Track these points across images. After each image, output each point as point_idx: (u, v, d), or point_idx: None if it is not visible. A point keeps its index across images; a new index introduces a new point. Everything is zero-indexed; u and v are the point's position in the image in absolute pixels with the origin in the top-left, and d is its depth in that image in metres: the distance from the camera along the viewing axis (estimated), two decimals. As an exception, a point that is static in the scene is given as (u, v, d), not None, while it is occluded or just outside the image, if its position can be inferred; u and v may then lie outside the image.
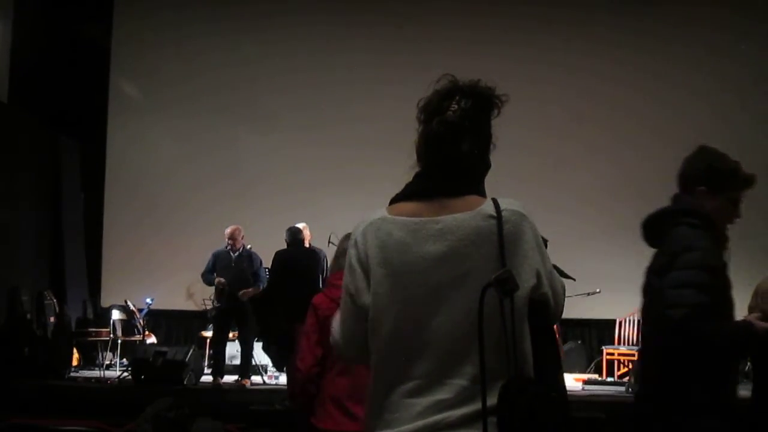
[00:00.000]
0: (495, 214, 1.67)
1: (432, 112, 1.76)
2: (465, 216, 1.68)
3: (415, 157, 1.82)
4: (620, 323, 8.95)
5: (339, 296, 3.41)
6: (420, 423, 1.64)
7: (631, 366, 8.06)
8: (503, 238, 1.65)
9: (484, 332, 1.59)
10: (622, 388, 7.62)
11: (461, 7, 10.08)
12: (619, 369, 8.69)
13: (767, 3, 9.68)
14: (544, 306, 1.72)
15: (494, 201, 1.70)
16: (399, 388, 1.69)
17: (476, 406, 1.61)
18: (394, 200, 1.80)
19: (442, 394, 1.64)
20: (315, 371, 3.35)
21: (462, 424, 1.62)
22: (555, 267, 1.81)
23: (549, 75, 9.74)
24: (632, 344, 8.78)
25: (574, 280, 2.10)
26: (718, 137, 10.03)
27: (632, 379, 7.42)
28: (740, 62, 9.66)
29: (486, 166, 1.81)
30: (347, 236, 3.49)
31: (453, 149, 1.73)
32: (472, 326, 1.61)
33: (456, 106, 1.73)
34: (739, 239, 10.50)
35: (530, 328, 1.70)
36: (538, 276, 1.68)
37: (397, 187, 1.86)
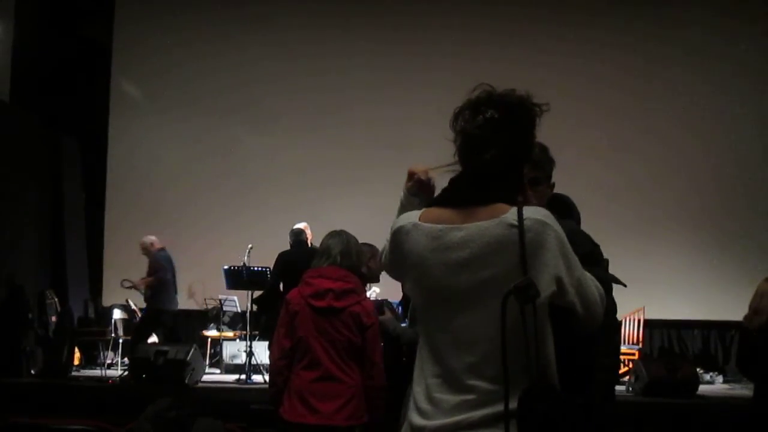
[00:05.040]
0: (517, 222, 1.69)
1: (458, 122, 1.80)
2: (488, 224, 1.71)
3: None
4: (620, 323, 8.96)
5: (310, 293, 3.50)
6: (447, 420, 1.70)
7: (631, 365, 8.06)
8: (524, 246, 1.67)
9: (508, 338, 1.63)
10: (623, 388, 7.63)
11: (461, 10, 10.08)
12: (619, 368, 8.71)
13: (765, 6, 9.68)
14: (571, 313, 1.74)
15: (519, 209, 1.71)
16: (431, 382, 1.76)
17: (497, 408, 1.65)
18: (430, 204, 1.86)
19: (467, 394, 1.69)
20: (281, 363, 3.43)
21: (483, 425, 1.66)
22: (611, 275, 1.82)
23: (547, 77, 9.71)
24: (632, 344, 8.79)
25: (625, 286, 2.18)
26: (716, 139, 10.08)
27: (632, 379, 7.42)
28: (739, 65, 9.66)
29: (517, 175, 1.81)
30: (330, 234, 3.56)
31: (475, 159, 1.76)
32: (494, 331, 1.65)
33: (481, 117, 1.76)
34: (738, 239, 10.51)
35: (558, 335, 1.74)
36: (560, 284, 1.70)
37: (397, 188, 1.87)
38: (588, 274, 1.78)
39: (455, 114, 1.81)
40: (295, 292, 3.49)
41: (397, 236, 1.83)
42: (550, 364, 1.70)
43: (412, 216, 1.83)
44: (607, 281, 2.09)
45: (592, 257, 2.21)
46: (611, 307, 2.52)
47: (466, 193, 1.77)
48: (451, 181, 1.83)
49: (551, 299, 1.70)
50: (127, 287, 8.42)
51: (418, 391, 1.79)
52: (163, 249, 8.38)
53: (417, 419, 1.76)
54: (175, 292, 8.35)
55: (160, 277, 8.15)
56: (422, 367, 1.80)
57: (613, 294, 2.49)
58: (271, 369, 3.53)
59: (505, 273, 1.67)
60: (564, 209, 2.65)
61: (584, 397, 1.80)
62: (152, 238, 8.43)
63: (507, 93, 1.79)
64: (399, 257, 1.84)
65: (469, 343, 1.71)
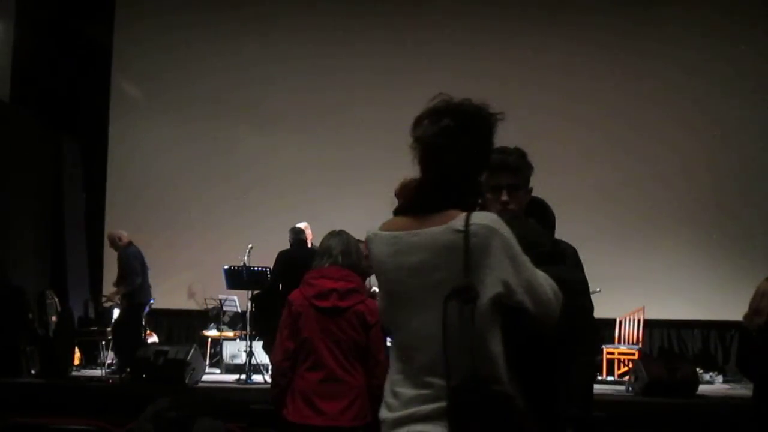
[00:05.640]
0: (463, 228, 1.77)
1: (417, 130, 1.88)
2: (438, 230, 1.80)
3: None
4: (620, 323, 8.97)
5: (313, 294, 3.52)
6: (404, 412, 1.84)
7: (631, 365, 8.06)
8: (469, 251, 1.75)
9: (450, 337, 1.73)
10: (622, 387, 7.63)
11: (461, 11, 10.07)
12: (619, 368, 8.71)
13: (765, 7, 9.68)
14: (524, 313, 1.81)
15: (467, 215, 1.79)
16: (395, 378, 1.90)
17: (443, 403, 1.76)
18: (395, 213, 1.95)
19: (424, 389, 1.81)
20: (285, 365, 3.43)
21: (429, 419, 1.77)
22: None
23: (546, 78, 9.74)
24: (632, 343, 8.80)
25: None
26: (716, 139, 10.08)
27: (632, 379, 7.42)
28: (739, 65, 9.66)
29: (473, 182, 1.89)
30: (330, 234, 3.58)
31: (430, 166, 1.86)
32: (441, 332, 1.76)
33: (435, 126, 1.84)
34: (738, 239, 10.52)
35: (512, 334, 1.82)
36: (506, 285, 1.77)
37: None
38: (541, 274, 1.85)
39: (414, 122, 1.89)
40: (297, 293, 3.48)
41: (368, 247, 1.97)
42: (497, 363, 1.79)
43: (376, 227, 1.95)
44: (570, 281, 2.13)
45: (550, 257, 2.27)
46: (589, 306, 2.60)
47: (422, 200, 1.87)
48: (412, 189, 1.92)
49: (499, 300, 1.78)
50: (109, 306, 8.41)
51: (386, 386, 1.92)
52: (130, 244, 8.32)
53: (382, 412, 1.91)
54: (149, 285, 8.33)
55: (130, 283, 8.10)
56: (391, 364, 1.93)
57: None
58: (275, 371, 3.52)
59: (452, 277, 1.77)
60: (540, 212, 2.72)
61: (546, 396, 1.86)
62: (121, 232, 8.39)
63: (463, 102, 1.87)
64: (372, 265, 1.98)
65: (424, 343, 1.81)
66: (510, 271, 1.78)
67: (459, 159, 1.84)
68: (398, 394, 1.86)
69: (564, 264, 2.41)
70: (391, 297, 1.91)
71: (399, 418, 1.84)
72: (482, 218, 1.79)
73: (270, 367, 8.35)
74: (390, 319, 1.94)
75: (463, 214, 1.79)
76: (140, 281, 8.16)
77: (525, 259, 1.81)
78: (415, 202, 1.89)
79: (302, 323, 3.40)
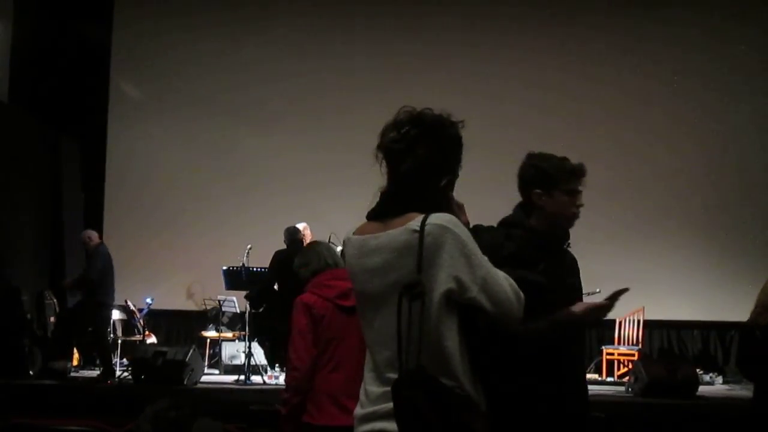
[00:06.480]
0: (418, 228, 1.84)
1: (382, 139, 1.99)
2: (396, 232, 1.89)
3: None
4: (620, 323, 8.96)
5: (335, 294, 3.49)
6: (370, 409, 1.92)
7: (631, 366, 8.06)
8: (423, 249, 1.83)
9: (403, 334, 1.80)
10: (622, 388, 7.62)
11: (462, 12, 10.07)
12: (619, 369, 8.70)
13: (764, 8, 9.68)
14: (480, 309, 1.86)
15: (424, 217, 1.86)
16: (367, 375, 1.99)
17: None
18: (366, 217, 2.03)
19: (385, 386, 1.87)
20: (311, 371, 3.38)
21: (391, 416, 1.81)
22: None
23: (547, 78, 9.74)
24: (632, 344, 8.79)
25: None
26: (716, 139, 10.07)
27: (632, 379, 7.41)
28: (738, 65, 9.66)
29: (434, 186, 1.95)
30: (317, 243, 3.60)
31: (394, 172, 1.96)
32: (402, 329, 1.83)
33: (396, 134, 1.94)
34: (738, 239, 10.52)
35: (469, 330, 1.88)
36: (459, 282, 1.83)
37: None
38: (502, 274, 1.90)
39: (381, 133, 2.00)
40: (312, 297, 3.41)
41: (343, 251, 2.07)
42: (450, 358, 1.84)
43: (350, 232, 2.05)
44: (535, 282, 2.22)
45: (515, 259, 2.32)
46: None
47: (385, 205, 1.97)
48: (380, 195, 2.00)
49: (451, 296, 1.83)
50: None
51: (362, 384, 2.00)
52: (101, 244, 8.31)
53: (356, 408, 1.99)
54: (114, 288, 8.25)
55: (82, 275, 8.12)
56: (365, 362, 2.02)
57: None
58: (301, 376, 3.38)
59: (407, 275, 1.84)
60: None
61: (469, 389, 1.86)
62: (91, 232, 8.42)
63: (423, 111, 1.97)
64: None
65: (386, 340, 1.88)
66: (463, 268, 1.83)
67: (417, 164, 1.92)
68: (368, 391, 1.94)
69: (534, 269, 2.42)
70: (359, 297, 2.02)
71: (365, 415, 1.91)
72: (437, 218, 1.86)
73: (267, 369, 8.36)
74: (361, 318, 2.03)
75: (421, 216, 1.86)
76: (98, 277, 8.06)
77: (482, 259, 1.86)
78: (380, 207, 1.98)
79: (326, 324, 3.35)
